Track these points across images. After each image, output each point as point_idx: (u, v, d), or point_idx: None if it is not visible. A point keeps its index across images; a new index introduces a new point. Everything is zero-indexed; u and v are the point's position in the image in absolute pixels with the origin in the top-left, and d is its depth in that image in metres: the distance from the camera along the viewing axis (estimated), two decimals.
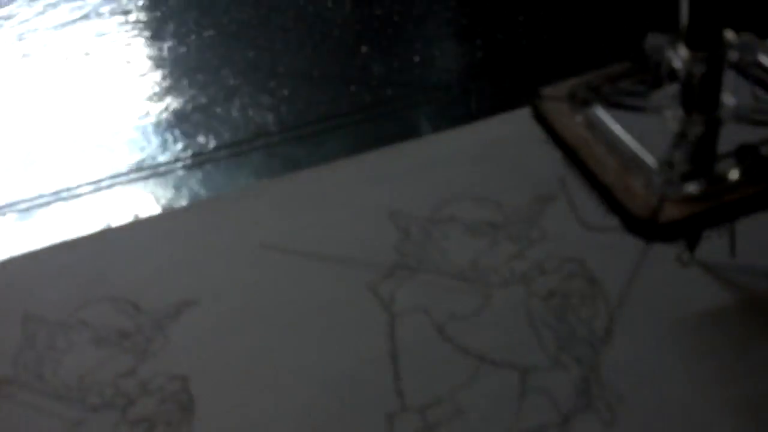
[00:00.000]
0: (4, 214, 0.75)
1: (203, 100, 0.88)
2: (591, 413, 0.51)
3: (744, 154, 0.44)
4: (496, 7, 0.95)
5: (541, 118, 0.55)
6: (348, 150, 0.77)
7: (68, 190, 0.76)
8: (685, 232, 0.44)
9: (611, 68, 0.57)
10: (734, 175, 0.46)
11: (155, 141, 0.83)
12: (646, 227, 0.45)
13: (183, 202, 0.74)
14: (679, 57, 0.46)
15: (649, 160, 0.48)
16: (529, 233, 0.64)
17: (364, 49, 0.94)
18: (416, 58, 0.90)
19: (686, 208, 0.44)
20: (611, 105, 0.53)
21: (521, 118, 0.75)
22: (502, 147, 0.72)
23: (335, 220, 0.68)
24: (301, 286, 0.63)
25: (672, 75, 0.54)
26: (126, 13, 1.04)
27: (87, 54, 0.97)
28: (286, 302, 0.62)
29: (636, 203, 0.46)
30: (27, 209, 0.75)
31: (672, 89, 0.51)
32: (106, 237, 0.70)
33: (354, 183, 0.72)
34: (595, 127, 0.52)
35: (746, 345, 0.53)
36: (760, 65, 0.47)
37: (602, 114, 0.53)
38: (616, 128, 0.51)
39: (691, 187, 0.45)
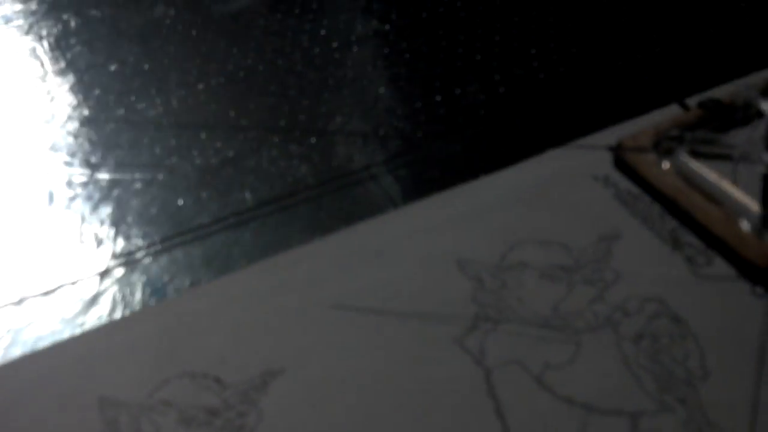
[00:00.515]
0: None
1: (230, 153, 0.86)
2: None
3: None
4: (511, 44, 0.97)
5: (626, 168, 0.56)
6: (395, 198, 0.77)
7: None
8: None
9: (684, 115, 0.59)
10: None
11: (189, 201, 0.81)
12: (765, 274, 0.46)
13: (234, 266, 0.72)
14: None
15: (752, 206, 0.50)
16: (603, 275, 0.65)
17: (381, 90, 0.95)
18: (438, 98, 0.91)
19: None
20: (695, 153, 0.55)
21: (564, 154, 0.77)
22: (553, 185, 0.74)
23: (402, 272, 0.68)
24: (385, 346, 0.63)
25: (747, 120, 0.56)
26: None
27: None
28: (373, 364, 0.61)
29: (752, 251, 0.47)
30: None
31: (755, 135, 0.53)
32: (170, 308, 0.68)
33: (413, 232, 0.72)
34: (686, 175, 0.54)
35: None
36: None
37: (690, 162, 0.55)
38: (710, 175, 0.53)
39: None
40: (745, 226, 0.48)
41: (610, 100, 0.84)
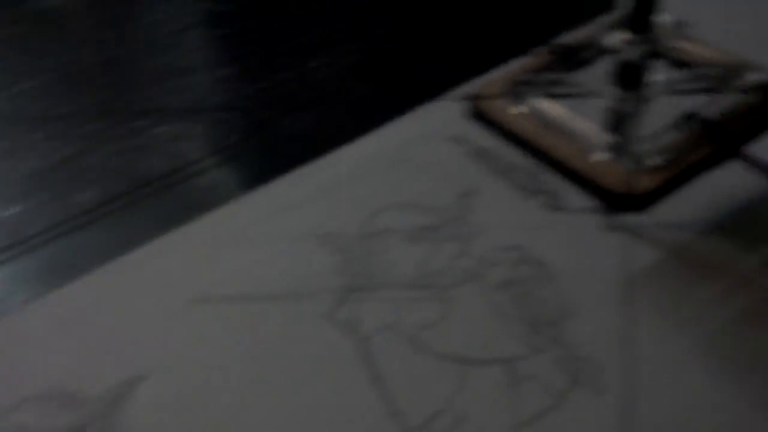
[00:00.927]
0: None
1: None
2: (579, 387, 0.53)
3: (689, 121, 0.48)
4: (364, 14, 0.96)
5: (482, 116, 0.56)
6: (249, 180, 0.74)
7: None
8: (657, 199, 0.47)
9: (536, 61, 0.59)
10: (686, 139, 0.49)
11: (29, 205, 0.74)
12: (626, 201, 0.47)
13: (82, 269, 0.67)
14: (616, 41, 0.49)
15: (606, 138, 0.51)
16: (465, 230, 0.65)
17: (223, 72, 0.91)
18: (284, 75, 0.88)
19: (657, 177, 0.47)
20: (549, 95, 0.56)
21: (417, 118, 0.76)
22: (409, 150, 0.73)
23: (263, 255, 0.65)
24: (252, 333, 0.60)
25: (593, 59, 0.58)
26: None
27: None
28: (241, 354, 0.58)
29: (612, 181, 0.48)
30: None
31: (600, 71, 0.54)
32: (7, 327, 0.62)
33: (272, 212, 0.69)
34: (540, 117, 0.54)
35: (683, 294, 0.58)
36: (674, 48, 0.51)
37: (542, 103, 0.55)
38: (562, 114, 0.53)
39: (656, 158, 0.48)
40: (599, 156, 0.48)
41: (464, 58, 0.84)
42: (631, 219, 0.62)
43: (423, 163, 0.71)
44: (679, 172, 0.45)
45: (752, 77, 0.48)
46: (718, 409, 0.50)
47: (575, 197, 0.65)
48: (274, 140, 0.80)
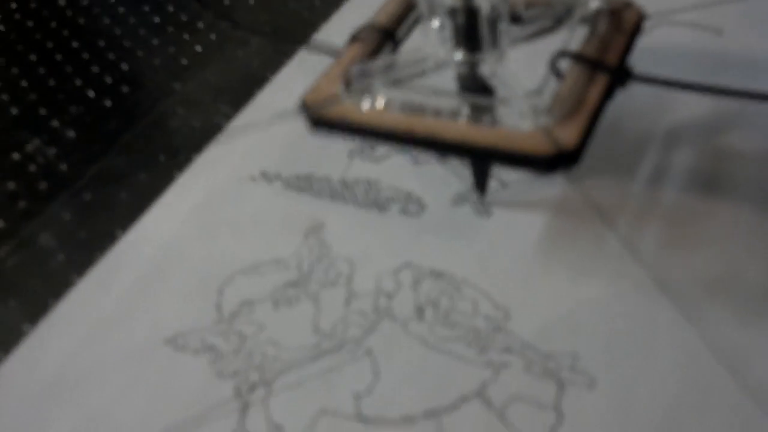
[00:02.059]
0: None
1: None
2: (571, 386, 0.46)
3: (559, 62, 0.43)
4: None
5: (333, 124, 0.46)
6: None
7: None
8: (584, 149, 0.41)
9: (351, 52, 0.50)
10: (572, 81, 0.44)
11: None
12: (555, 160, 0.41)
13: None
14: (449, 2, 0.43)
15: (486, 102, 0.44)
16: (336, 270, 0.54)
17: None
18: None
19: (574, 126, 0.41)
20: (392, 82, 0.47)
21: (211, 160, 0.63)
22: (216, 205, 0.60)
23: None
24: None
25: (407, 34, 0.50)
26: None
27: None
28: None
29: (531, 145, 0.41)
30: None
31: (432, 43, 0.47)
32: None
33: None
34: (402, 104, 0.45)
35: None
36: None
37: (395, 90, 0.46)
38: (427, 94, 0.45)
39: (556, 109, 0.42)
40: (504, 125, 0.41)
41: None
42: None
43: (243, 215, 0.59)
44: (589, 114, 0.39)
45: (593, 4, 0.44)
46: None
47: (435, 189, 0.58)
48: None
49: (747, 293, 0.47)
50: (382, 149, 0.63)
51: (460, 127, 0.42)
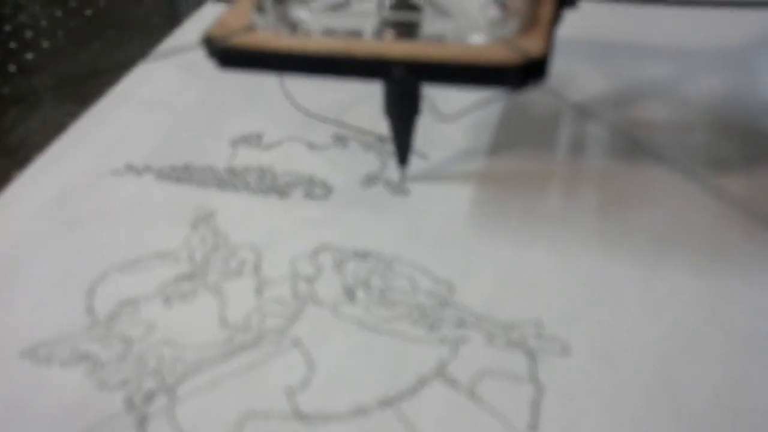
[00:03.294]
0: None
1: None
2: (543, 354, 0.40)
3: None
4: None
5: (246, 57, 0.37)
6: None
7: None
8: (549, 58, 0.36)
9: None
10: None
11: None
12: (525, 70, 0.35)
13: None
14: None
15: (418, 17, 0.38)
16: (237, 260, 0.45)
17: None
18: None
19: (536, 38, 0.37)
20: (310, 9, 0.40)
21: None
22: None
23: None
24: None
25: None
26: None
27: None
28: None
29: (497, 56, 0.35)
30: None
31: None
32: None
33: None
34: (321, 30, 0.38)
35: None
36: None
37: (315, 15, 0.39)
38: (352, 16, 0.39)
39: (512, 21, 0.37)
40: (474, 40, 0.36)
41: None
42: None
43: (133, 218, 0.48)
44: (547, 25, 0.35)
45: None
46: None
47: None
48: None
49: (692, 242, 0.44)
50: (271, 136, 0.55)
51: (411, 46, 0.36)
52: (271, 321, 0.41)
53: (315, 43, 0.37)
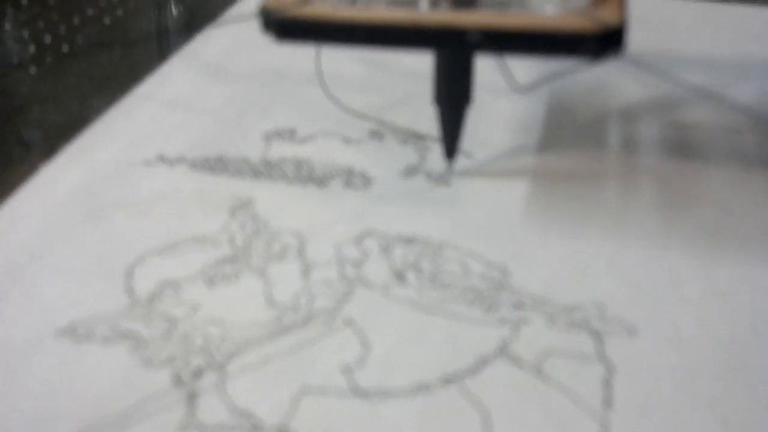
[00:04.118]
0: None
1: None
2: (610, 337, 0.38)
3: None
4: None
5: (307, 25, 0.36)
6: None
7: None
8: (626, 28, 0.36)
9: None
10: None
11: None
12: (603, 40, 0.34)
13: None
14: None
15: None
16: (281, 243, 0.44)
17: None
18: None
19: (611, 8, 0.36)
20: None
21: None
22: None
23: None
24: None
25: None
26: None
27: None
28: None
29: (574, 25, 0.34)
30: None
31: None
32: None
33: None
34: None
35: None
36: None
37: None
38: None
39: None
40: (547, 11, 0.35)
41: None
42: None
43: (173, 210, 0.47)
44: None
45: None
46: None
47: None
48: None
49: (747, 235, 0.43)
50: (304, 132, 0.54)
51: (486, 15, 0.35)
52: (321, 302, 0.39)
53: (384, 15, 0.36)
